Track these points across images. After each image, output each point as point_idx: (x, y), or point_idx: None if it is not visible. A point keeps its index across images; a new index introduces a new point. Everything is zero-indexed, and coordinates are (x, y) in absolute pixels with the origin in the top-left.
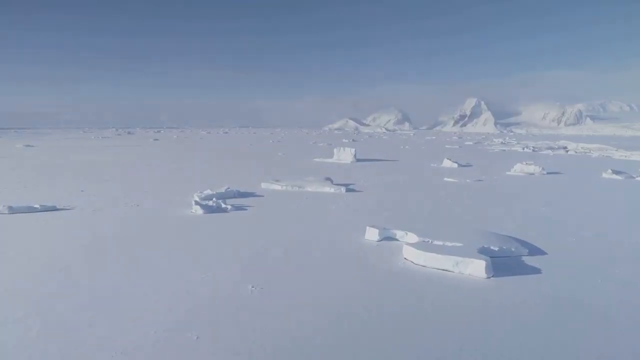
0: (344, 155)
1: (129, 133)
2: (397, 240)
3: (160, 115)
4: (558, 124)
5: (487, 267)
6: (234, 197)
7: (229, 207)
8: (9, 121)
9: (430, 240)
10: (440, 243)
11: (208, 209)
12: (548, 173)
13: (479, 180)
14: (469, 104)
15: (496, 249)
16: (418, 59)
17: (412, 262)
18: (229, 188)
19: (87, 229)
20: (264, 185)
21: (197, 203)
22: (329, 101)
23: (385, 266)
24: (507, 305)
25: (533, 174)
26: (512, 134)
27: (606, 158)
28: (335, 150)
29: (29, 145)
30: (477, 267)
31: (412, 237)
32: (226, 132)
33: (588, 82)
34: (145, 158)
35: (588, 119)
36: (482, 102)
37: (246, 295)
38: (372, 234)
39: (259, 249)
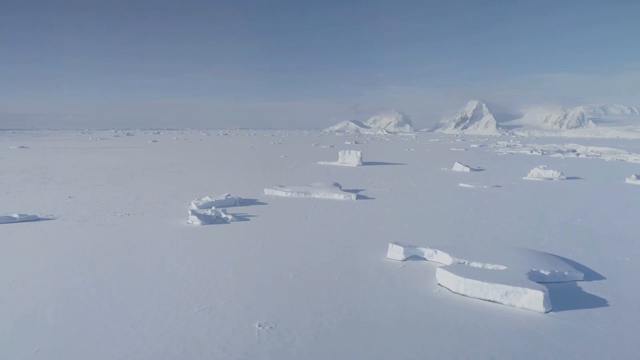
0: (350, 159)
1: (127, 134)
2: (424, 259)
3: (161, 116)
4: (560, 127)
5: (545, 300)
6: (235, 205)
7: (230, 217)
8: (8, 122)
9: (466, 262)
10: (479, 265)
11: (206, 220)
12: (567, 178)
13: (497, 186)
14: (471, 106)
15: (546, 273)
16: (419, 61)
17: (448, 289)
18: (229, 195)
19: (64, 245)
20: (267, 191)
21: (194, 213)
22: (330, 103)
23: (417, 295)
24: (577, 351)
25: (551, 179)
26: (514, 136)
27: (620, 162)
28: (340, 153)
29: (23, 147)
30: (532, 300)
31: (443, 257)
32: (226, 134)
33: (589, 85)
34: (142, 161)
35: (590, 121)
36: (484, 105)
37: (253, 338)
38: (395, 252)
39: (265, 272)
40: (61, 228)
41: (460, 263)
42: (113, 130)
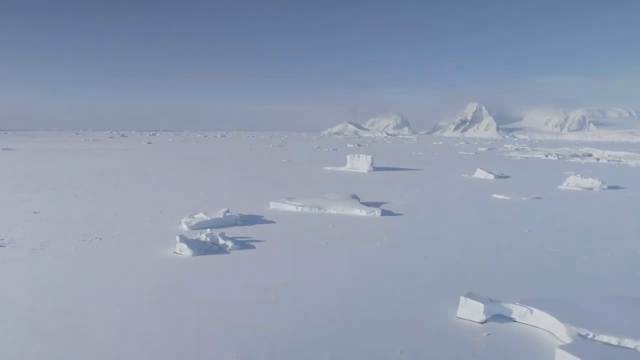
0: (359, 164)
1: (122, 136)
2: (514, 321)
3: (157, 117)
4: (561, 130)
5: None
6: (236, 224)
7: (229, 243)
8: (3, 123)
9: (590, 334)
10: (614, 341)
11: (199, 248)
12: (609, 188)
13: (536, 197)
14: (470, 108)
15: None
16: (417, 63)
17: None
18: (228, 212)
19: (5, 287)
20: (273, 205)
21: (183, 239)
22: (328, 105)
23: None
24: None
25: (592, 189)
26: (516, 139)
27: None
28: (348, 158)
29: (6, 149)
30: None
31: (545, 320)
32: (224, 136)
33: (587, 88)
34: (132, 165)
35: (591, 124)
36: (483, 107)
37: None
38: (471, 310)
39: (285, 344)
40: (6, 261)
41: (581, 336)
42: (108, 131)
